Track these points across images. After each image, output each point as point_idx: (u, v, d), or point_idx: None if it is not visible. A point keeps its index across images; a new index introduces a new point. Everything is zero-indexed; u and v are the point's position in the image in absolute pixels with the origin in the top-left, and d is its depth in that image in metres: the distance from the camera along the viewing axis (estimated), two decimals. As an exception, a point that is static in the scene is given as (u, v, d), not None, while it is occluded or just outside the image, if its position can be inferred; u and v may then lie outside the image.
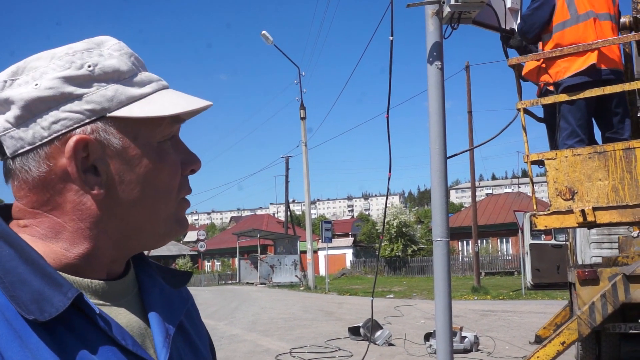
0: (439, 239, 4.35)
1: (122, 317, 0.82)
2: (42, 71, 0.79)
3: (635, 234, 8.96)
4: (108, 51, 0.82)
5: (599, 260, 9.60)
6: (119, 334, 0.77)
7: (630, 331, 7.10)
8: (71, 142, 0.77)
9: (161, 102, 0.82)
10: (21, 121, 0.78)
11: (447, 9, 4.44)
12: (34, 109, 0.77)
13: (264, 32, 28.02)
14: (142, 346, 0.80)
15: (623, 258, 8.31)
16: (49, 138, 0.77)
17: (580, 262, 10.12)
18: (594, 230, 10.06)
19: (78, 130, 0.78)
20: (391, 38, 5.26)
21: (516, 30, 5.10)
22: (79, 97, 0.78)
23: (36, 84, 0.78)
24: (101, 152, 0.79)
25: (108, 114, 0.79)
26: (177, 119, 0.85)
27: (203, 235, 51.08)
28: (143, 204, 0.82)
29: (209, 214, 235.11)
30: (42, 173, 0.78)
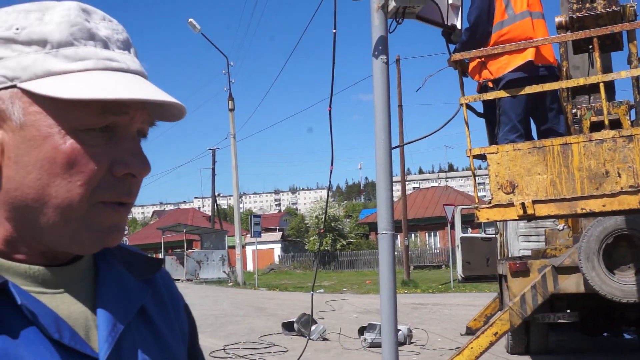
0: (384, 232, 4.44)
1: (65, 306, 0.77)
2: None
3: (560, 227, 9.41)
4: (50, 17, 0.74)
5: (528, 252, 10.01)
6: (51, 326, 0.72)
7: (559, 321, 7.45)
8: None
9: (85, 83, 0.72)
10: None
11: (392, 4, 4.52)
12: None
13: (190, 19, 27.53)
14: (84, 338, 0.75)
15: (551, 250, 8.70)
16: None
17: (510, 255, 10.53)
18: (522, 224, 10.47)
19: None
20: (334, 30, 5.31)
21: (457, 27, 5.26)
22: None
23: None
24: (1, 123, 0.73)
25: (18, 84, 0.72)
26: (114, 109, 0.74)
27: (125, 230, 49.78)
28: (39, 194, 0.73)
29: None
30: None
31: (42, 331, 0.72)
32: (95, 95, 0.71)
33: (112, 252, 0.87)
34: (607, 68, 5.68)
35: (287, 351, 9.23)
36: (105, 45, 0.77)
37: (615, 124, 5.24)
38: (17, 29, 0.73)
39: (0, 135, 0.73)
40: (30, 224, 0.75)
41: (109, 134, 0.76)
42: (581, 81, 4.95)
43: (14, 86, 0.73)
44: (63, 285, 0.79)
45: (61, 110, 0.72)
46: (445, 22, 5.22)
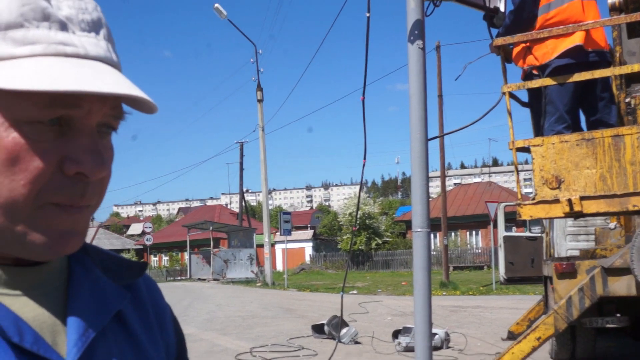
0: (419, 230, 4.41)
1: (29, 309, 0.74)
2: None
3: (612, 225, 9.23)
4: None
5: (576, 252, 9.87)
6: (10, 328, 0.69)
7: (607, 325, 7.34)
8: None
9: (29, 71, 0.67)
10: None
11: (429, -15, 4.49)
12: None
13: (216, 5, 27.66)
14: (50, 343, 0.73)
15: (601, 250, 8.55)
16: None
17: (556, 255, 10.39)
18: (570, 222, 10.32)
19: None
20: (368, 14, 5.29)
21: (501, 9, 5.19)
22: None
23: None
24: None
25: None
26: (64, 100, 0.69)
27: (150, 227, 50.54)
28: None
29: (154, 204, 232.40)
30: None
31: (0, 334, 0.69)
32: (36, 86, 0.65)
33: (89, 254, 0.85)
34: (664, 53, 5.54)
35: (316, 355, 9.26)
36: (64, 26, 0.71)
37: (672, 114, 5.11)
38: None
39: None
40: None
41: (63, 127, 0.71)
42: (636, 67, 4.83)
43: None
44: (28, 287, 0.76)
45: (4, 100, 0.68)
46: (488, 5, 5.16)
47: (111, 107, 0.74)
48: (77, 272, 0.81)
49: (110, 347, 0.78)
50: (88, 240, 0.83)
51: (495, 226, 15.00)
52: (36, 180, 0.69)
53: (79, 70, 0.69)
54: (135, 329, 0.84)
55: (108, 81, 0.69)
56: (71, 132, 0.71)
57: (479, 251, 39.85)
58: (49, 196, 0.71)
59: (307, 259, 46.93)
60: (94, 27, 0.74)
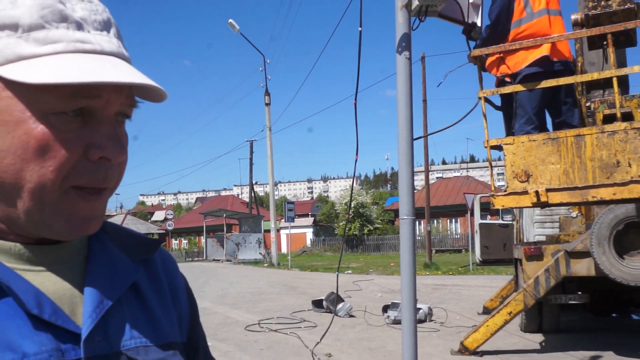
0: (405, 217, 4.39)
1: (51, 284, 0.73)
2: None
3: (574, 214, 9.22)
4: (22, 1, 0.69)
5: (542, 238, 9.86)
6: (30, 301, 0.68)
7: (570, 302, 7.34)
8: None
9: (54, 67, 0.67)
10: None
11: (415, 2, 4.45)
12: None
13: (230, 20, 27.59)
14: (69, 314, 0.72)
15: (564, 236, 8.55)
16: None
17: (525, 240, 10.38)
18: (537, 211, 10.31)
19: None
20: (360, 29, 5.25)
21: (477, 24, 5.17)
22: None
23: None
24: None
25: None
26: (85, 92, 0.69)
27: (171, 214, 50.50)
28: (15, 178, 0.69)
29: (175, 194, 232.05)
30: None
31: (21, 306, 0.68)
32: (61, 79, 0.65)
33: (106, 231, 0.84)
34: (620, 63, 5.52)
35: (316, 326, 9.26)
36: (80, 26, 0.71)
37: (628, 117, 5.09)
38: None
39: None
40: (10, 208, 0.71)
41: (85, 117, 0.70)
42: (595, 76, 4.82)
43: None
44: (50, 263, 0.75)
45: (31, 95, 0.68)
46: (466, 20, 5.13)
47: (126, 96, 0.74)
48: (95, 249, 0.80)
49: (124, 317, 0.77)
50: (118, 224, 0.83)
51: (472, 215, 14.99)
52: (63, 166, 0.69)
53: (98, 64, 0.69)
54: (149, 300, 0.83)
55: (124, 73, 0.70)
56: (93, 121, 0.71)
57: (458, 236, 39.87)
58: (74, 180, 0.70)
59: (308, 242, 46.94)
60: (105, 26, 0.74)
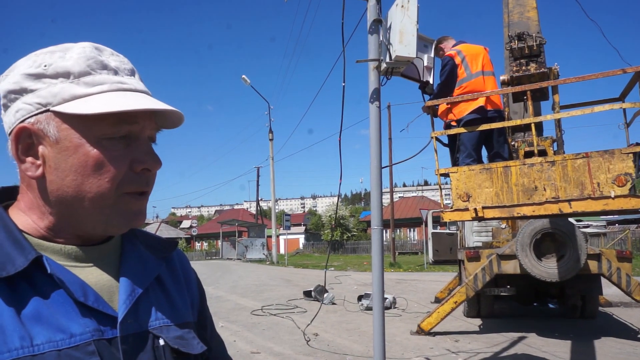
0: (375, 227, 4.38)
1: (93, 277, 0.72)
2: (17, 68, 0.71)
3: (503, 226, 9.27)
4: (70, 54, 0.70)
5: (479, 244, 9.88)
6: (77, 291, 0.68)
7: (501, 293, 7.34)
8: (16, 128, 0.70)
9: (100, 102, 0.68)
10: (4, 108, 0.72)
11: (384, 65, 4.51)
12: (8, 99, 0.71)
13: (243, 76, 27.66)
14: (107, 301, 0.71)
15: (496, 243, 8.58)
16: (15, 124, 0.70)
17: (467, 245, 10.38)
18: (475, 223, 10.35)
19: (29, 120, 0.69)
20: (344, 84, 5.29)
21: (431, 82, 5.23)
22: (32, 91, 0.69)
23: (8, 79, 0.71)
24: (41, 140, 0.69)
25: (51, 108, 0.69)
26: (127, 120, 0.70)
27: (195, 223, 50.15)
28: (77, 191, 0.69)
29: (199, 207, 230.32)
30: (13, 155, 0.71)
31: (70, 295, 0.68)
32: (110, 108, 0.67)
33: (136, 235, 0.83)
34: (537, 113, 5.61)
35: (306, 312, 9.15)
36: (116, 72, 0.73)
37: (542, 153, 5.15)
38: (45, 66, 0.70)
39: (41, 150, 0.70)
40: (71, 215, 0.71)
41: (127, 140, 0.72)
42: (518, 122, 4.89)
43: (47, 110, 0.69)
44: (93, 260, 0.74)
45: (86, 125, 0.69)
46: (422, 79, 5.20)
47: (155, 123, 0.75)
48: (127, 248, 0.80)
49: (151, 302, 0.77)
50: (153, 232, 0.82)
51: (426, 225, 15.00)
52: (116, 177, 0.70)
53: (136, 97, 0.71)
54: (169, 288, 0.83)
55: (154, 102, 0.72)
56: (133, 143, 0.72)
57: (415, 242, 39.76)
58: (125, 187, 0.72)
59: (301, 246, 46.60)
60: (132, 73, 0.76)
